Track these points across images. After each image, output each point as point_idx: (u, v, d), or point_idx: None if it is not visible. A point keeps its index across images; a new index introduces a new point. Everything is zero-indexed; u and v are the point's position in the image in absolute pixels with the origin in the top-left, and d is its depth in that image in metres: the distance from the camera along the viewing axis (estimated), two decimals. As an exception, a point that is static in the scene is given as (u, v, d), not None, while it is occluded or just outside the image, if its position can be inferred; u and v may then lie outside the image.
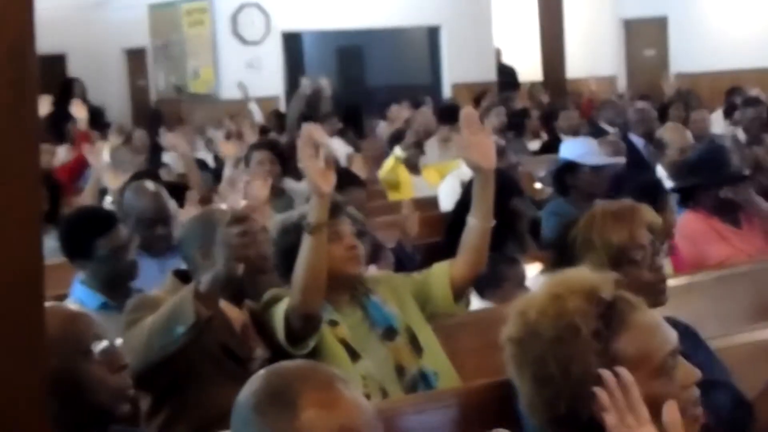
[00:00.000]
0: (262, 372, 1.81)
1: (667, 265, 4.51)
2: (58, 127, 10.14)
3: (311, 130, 3.31)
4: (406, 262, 4.38)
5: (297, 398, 1.73)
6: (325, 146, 3.17)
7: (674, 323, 2.86)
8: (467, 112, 3.31)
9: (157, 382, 3.06)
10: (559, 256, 3.05)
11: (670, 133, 6.36)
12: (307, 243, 3.06)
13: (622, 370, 1.77)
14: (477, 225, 3.29)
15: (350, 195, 4.37)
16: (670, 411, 1.70)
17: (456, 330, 3.78)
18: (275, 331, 3.22)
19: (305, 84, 11.22)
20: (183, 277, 3.31)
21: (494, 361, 3.13)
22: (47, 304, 2.17)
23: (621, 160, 5.39)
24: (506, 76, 15.49)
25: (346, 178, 4.61)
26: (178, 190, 5.28)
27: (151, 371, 2.94)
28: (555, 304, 1.96)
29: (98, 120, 11.63)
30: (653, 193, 4.31)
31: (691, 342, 2.93)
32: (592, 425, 1.90)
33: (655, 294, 2.82)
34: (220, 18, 13.57)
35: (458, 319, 3.77)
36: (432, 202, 6.45)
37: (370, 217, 5.77)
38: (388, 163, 7.42)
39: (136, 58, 15.20)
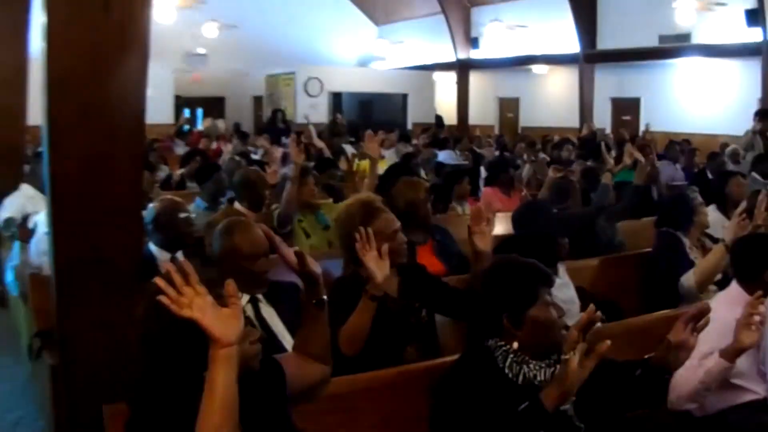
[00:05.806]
0: (226, 219, 3.38)
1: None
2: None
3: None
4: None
5: (234, 228, 3.28)
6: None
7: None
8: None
9: None
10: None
11: None
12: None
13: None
14: None
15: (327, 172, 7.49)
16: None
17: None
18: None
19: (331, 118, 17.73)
20: (231, 201, 6.01)
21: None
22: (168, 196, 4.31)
23: None
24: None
25: (326, 162, 8.17)
26: (261, 164, 8.75)
27: None
28: (353, 201, 3.54)
29: (239, 129, 18.88)
30: None
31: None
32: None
33: None
34: (299, 82, 23.40)
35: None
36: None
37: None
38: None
39: (257, 101, 25.67)
